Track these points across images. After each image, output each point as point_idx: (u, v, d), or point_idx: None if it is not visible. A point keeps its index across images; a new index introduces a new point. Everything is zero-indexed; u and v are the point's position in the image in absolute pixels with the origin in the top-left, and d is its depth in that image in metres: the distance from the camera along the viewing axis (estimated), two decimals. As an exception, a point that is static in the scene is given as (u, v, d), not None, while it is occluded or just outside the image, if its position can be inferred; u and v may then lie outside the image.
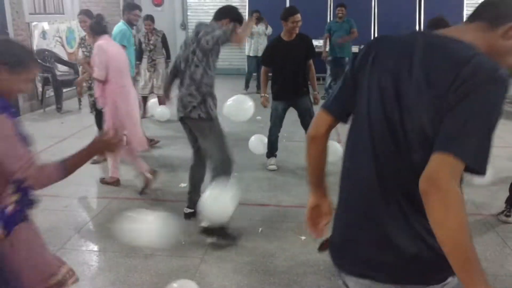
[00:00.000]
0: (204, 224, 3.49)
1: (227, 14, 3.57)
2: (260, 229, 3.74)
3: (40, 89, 8.04)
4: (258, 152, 5.14)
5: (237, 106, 4.11)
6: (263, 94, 5.09)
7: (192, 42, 3.44)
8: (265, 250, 3.42)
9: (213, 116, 3.47)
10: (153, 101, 6.92)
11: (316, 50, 10.93)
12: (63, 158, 1.90)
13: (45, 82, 7.93)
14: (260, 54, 9.46)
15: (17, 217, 1.90)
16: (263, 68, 5.07)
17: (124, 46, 5.30)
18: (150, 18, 7.09)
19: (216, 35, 3.34)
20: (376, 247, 1.36)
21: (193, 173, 3.79)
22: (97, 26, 4.43)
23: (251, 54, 9.69)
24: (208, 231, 3.48)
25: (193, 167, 3.79)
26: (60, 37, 8.82)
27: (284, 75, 4.81)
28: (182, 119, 3.56)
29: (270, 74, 5.03)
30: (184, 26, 12.06)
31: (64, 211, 4.06)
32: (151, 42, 7.07)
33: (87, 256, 3.38)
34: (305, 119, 4.94)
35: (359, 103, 1.42)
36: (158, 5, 11.99)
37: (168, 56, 7.24)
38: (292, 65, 4.80)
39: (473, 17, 1.36)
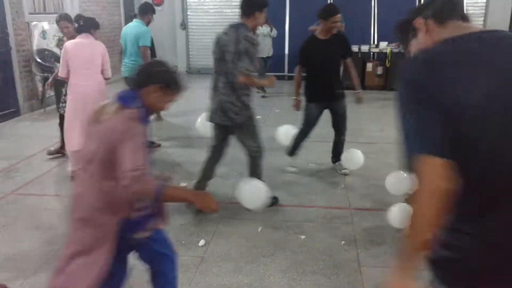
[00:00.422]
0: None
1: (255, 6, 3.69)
2: (260, 228, 3.74)
3: (40, 89, 8.04)
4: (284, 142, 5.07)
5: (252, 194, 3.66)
6: (295, 97, 4.93)
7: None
8: (265, 249, 3.43)
9: (250, 114, 3.84)
10: None
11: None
12: (165, 184, 2.00)
13: (45, 81, 7.92)
14: (265, 55, 9.42)
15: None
16: (297, 68, 4.83)
17: (147, 47, 5.61)
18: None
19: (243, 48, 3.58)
20: None
21: (209, 165, 4.04)
22: (82, 27, 4.64)
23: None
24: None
25: (211, 160, 4.03)
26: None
27: (320, 75, 4.65)
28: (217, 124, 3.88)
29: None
30: (184, 26, 12.05)
31: (63, 211, 4.06)
32: None
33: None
34: (340, 123, 4.87)
35: (465, 119, 1.25)
36: (158, 4, 11.98)
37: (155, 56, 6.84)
38: (329, 64, 4.67)
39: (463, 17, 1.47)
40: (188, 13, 12.18)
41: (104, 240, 2.03)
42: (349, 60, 4.82)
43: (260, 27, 9.09)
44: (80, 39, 4.63)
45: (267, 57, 9.60)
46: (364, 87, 8.94)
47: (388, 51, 9.74)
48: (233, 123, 3.76)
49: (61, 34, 5.79)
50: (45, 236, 3.61)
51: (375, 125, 6.95)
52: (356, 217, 3.92)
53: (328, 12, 4.59)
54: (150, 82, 2.10)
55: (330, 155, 5.14)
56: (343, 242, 3.51)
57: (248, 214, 4.00)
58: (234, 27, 3.70)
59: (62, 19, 5.18)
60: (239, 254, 3.37)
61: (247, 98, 3.76)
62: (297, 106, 4.96)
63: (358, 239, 3.55)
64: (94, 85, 4.68)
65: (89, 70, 4.64)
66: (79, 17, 4.83)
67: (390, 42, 9.76)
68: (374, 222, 3.84)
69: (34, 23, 8.00)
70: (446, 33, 1.39)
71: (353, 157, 4.81)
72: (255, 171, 4.00)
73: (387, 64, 9.78)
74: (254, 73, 3.64)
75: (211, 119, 3.88)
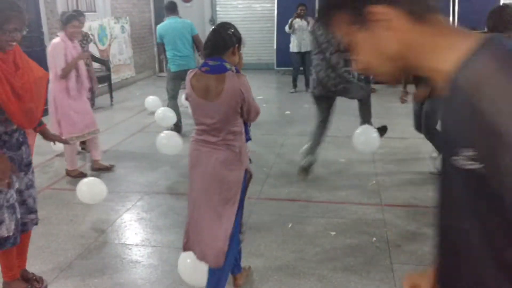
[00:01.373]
0: (303, 163, 4.59)
1: None
2: (290, 224, 3.73)
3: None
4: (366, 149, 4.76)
5: None
6: (403, 89, 4.80)
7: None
8: (295, 245, 3.41)
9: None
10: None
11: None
12: None
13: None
14: (303, 49, 9.02)
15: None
16: None
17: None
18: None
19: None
20: None
21: (319, 132, 4.71)
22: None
23: (294, 50, 9.10)
24: (305, 169, 4.59)
25: (320, 128, 4.71)
26: (92, 35, 8.98)
27: None
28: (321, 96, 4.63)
29: None
30: (213, 21, 12.10)
31: (97, 205, 4.14)
32: None
33: (119, 250, 3.44)
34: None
35: None
36: (187, 1, 12.08)
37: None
38: None
39: None
40: (217, 8, 12.22)
41: None
42: None
43: (298, 21, 8.96)
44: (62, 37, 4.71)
45: (305, 52, 8.84)
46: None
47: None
48: (333, 92, 4.56)
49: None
50: (78, 230, 3.70)
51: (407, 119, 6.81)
52: (388, 214, 3.85)
53: None
54: (228, 47, 2.45)
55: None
56: (374, 238, 3.46)
57: (279, 209, 3.99)
58: None
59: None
60: (268, 250, 3.36)
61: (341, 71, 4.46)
62: (402, 99, 4.78)
63: (389, 236, 3.49)
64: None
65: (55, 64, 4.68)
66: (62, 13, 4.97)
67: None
68: (406, 218, 3.77)
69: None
70: (425, 35, 0.89)
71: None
72: (366, 112, 4.83)
73: None
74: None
75: (314, 93, 4.65)
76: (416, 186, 4.43)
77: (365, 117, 4.83)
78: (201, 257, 2.53)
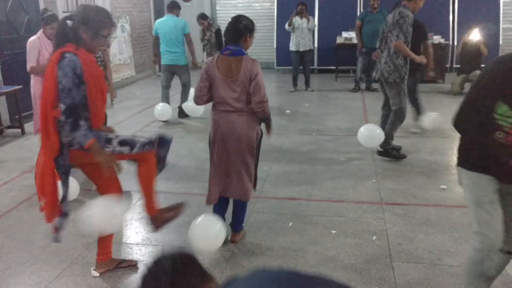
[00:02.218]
0: (379, 148, 5.07)
1: None
2: (291, 223, 3.73)
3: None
4: (370, 144, 5.02)
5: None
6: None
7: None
8: (295, 244, 3.42)
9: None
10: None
11: (347, 42, 10.79)
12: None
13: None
14: (301, 49, 8.89)
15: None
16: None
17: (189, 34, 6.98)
18: (202, 17, 8.41)
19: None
20: None
21: (386, 114, 5.29)
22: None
23: (293, 49, 8.99)
24: (383, 153, 5.09)
25: (386, 116, 5.30)
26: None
27: None
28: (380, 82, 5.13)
29: None
30: (212, 20, 12.09)
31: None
32: (206, 37, 8.43)
33: (120, 249, 3.45)
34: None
35: None
36: (187, 0, 12.08)
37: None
38: None
39: None
40: (217, 7, 12.22)
41: None
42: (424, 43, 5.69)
43: (298, 19, 8.98)
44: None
45: (305, 51, 8.95)
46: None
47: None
48: (385, 80, 4.94)
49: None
50: (79, 229, 3.69)
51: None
52: (388, 212, 3.86)
53: None
54: (242, 35, 3.15)
55: (361, 148, 5.14)
56: (374, 237, 3.47)
57: (279, 208, 3.99)
58: (396, 6, 5.00)
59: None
60: (269, 248, 3.37)
61: (400, 62, 4.82)
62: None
63: (389, 234, 3.49)
64: None
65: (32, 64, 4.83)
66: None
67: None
68: (406, 217, 3.77)
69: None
70: None
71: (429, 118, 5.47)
72: (389, 127, 5.06)
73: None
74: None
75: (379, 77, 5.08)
76: (416, 184, 4.44)
77: (387, 129, 5.12)
78: (232, 195, 3.32)
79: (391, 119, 5.06)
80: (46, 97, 2.57)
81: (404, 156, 5.09)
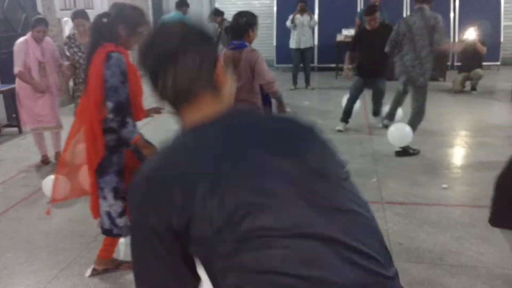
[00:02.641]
0: (397, 148, 5.13)
1: None
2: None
3: (71, 84, 8.17)
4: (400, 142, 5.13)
5: None
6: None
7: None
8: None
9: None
10: None
11: (347, 40, 10.74)
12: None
13: (76, 76, 8.04)
14: (302, 46, 8.84)
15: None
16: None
17: None
18: (215, 13, 8.81)
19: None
20: None
21: (398, 99, 5.59)
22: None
23: (293, 47, 8.94)
24: (401, 153, 5.10)
25: (400, 96, 5.54)
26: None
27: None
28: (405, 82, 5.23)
29: None
30: (211, 17, 12.06)
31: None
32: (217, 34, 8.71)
33: (119, 248, 3.42)
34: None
35: None
36: (186, -3, 12.03)
37: None
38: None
39: None
40: (216, 4, 12.17)
41: None
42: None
43: (299, 17, 8.95)
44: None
45: (305, 49, 8.91)
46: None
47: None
48: (413, 83, 5.07)
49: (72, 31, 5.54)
50: (78, 229, 3.68)
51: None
52: (389, 211, 3.84)
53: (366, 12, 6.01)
54: (246, 30, 3.51)
55: (360, 146, 5.13)
56: (375, 236, 3.44)
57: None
58: (417, 10, 4.93)
59: (80, 17, 5.02)
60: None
61: (429, 66, 4.96)
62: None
63: (390, 234, 3.47)
64: None
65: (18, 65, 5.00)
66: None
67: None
68: (406, 216, 3.75)
69: (65, 19, 8.13)
70: None
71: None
72: (411, 125, 5.11)
73: None
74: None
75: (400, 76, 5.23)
76: (417, 183, 4.42)
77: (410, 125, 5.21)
78: None
79: (411, 119, 5.14)
80: (93, 96, 2.59)
81: (418, 151, 5.17)
